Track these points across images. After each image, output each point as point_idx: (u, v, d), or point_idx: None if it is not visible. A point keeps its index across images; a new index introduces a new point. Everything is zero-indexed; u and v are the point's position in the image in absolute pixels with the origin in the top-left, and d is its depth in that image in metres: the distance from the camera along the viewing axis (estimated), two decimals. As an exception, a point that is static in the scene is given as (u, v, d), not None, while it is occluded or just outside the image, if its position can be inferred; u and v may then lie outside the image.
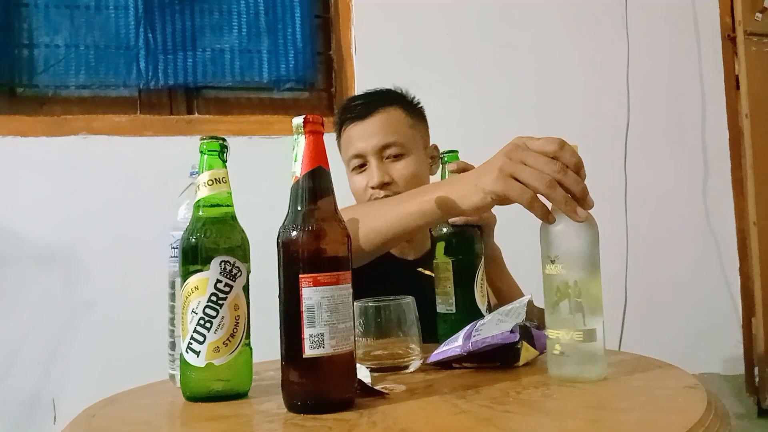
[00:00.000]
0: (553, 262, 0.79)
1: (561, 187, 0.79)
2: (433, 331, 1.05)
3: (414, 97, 1.41)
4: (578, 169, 0.81)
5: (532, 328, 0.90)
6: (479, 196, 0.86)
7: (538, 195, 0.80)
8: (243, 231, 0.83)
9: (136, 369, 1.22)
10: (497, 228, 1.36)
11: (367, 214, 1.05)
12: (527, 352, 0.89)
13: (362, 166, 1.33)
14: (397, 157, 1.32)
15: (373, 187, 1.29)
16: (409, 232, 1.00)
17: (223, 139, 0.82)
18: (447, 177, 1.11)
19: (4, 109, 2.12)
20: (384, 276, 1.31)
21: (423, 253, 1.40)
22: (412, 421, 0.66)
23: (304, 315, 0.70)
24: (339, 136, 1.39)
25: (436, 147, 1.43)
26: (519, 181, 0.81)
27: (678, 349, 2.51)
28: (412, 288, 1.29)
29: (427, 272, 1.32)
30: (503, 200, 0.84)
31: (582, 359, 0.77)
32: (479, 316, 1.02)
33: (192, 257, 0.78)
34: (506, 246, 1.34)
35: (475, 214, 0.96)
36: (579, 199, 0.80)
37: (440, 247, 1.08)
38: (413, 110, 1.38)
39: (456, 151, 1.12)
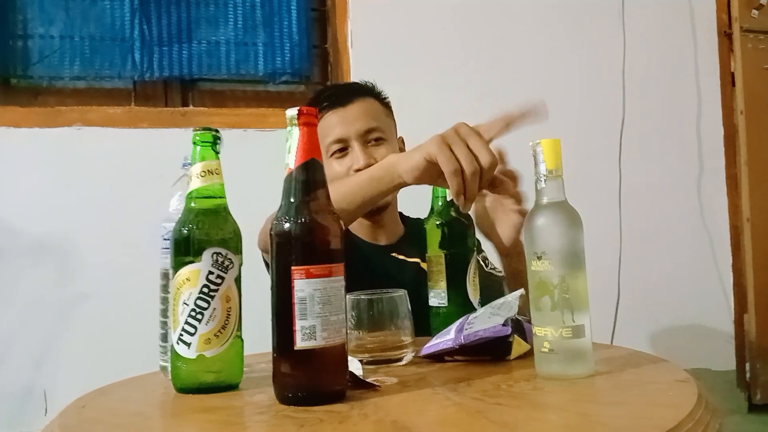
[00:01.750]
0: (539, 258, 0.79)
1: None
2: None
3: (382, 91, 1.43)
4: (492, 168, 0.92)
5: (524, 322, 0.90)
6: (415, 159, 0.95)
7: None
8: (235, 223, 0.82)
9: (128, 361, 1.22)
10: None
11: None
12: (519, 345, 0.89)
13: (342, 151, 1.33)
14: (378, 141, 1.34)
15: (357, 170, 1.28)
16: (363, 201, 1.05)
17: (216, 131, 0.82)
18: None
19: (-3, 100, 2.11)
20: (357, 262, 1.33)
21: (396, 239, 1.43)
22: (404, 414, 0.66)
23: (296, 307, 0.70)
24: None
25: (402, 140, 1.46)
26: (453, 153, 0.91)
27: (670, 344, 2.53)
28: (386, 273, 1.33)
29: (401, 257, 1.36)
30: (433, 164, 0.93)
31: (571, 356, 0.77)
32: (471, 309, 1.02)
33: (184, 248, 0.78)
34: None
35: (411, 176, 0.98)
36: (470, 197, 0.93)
37: (433, 240, 1.08)
38: (384, 102, 1.42)
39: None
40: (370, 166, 1.27)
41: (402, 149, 1.43)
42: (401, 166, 0.98)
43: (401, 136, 1.46)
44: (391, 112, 1.44)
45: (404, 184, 1.01)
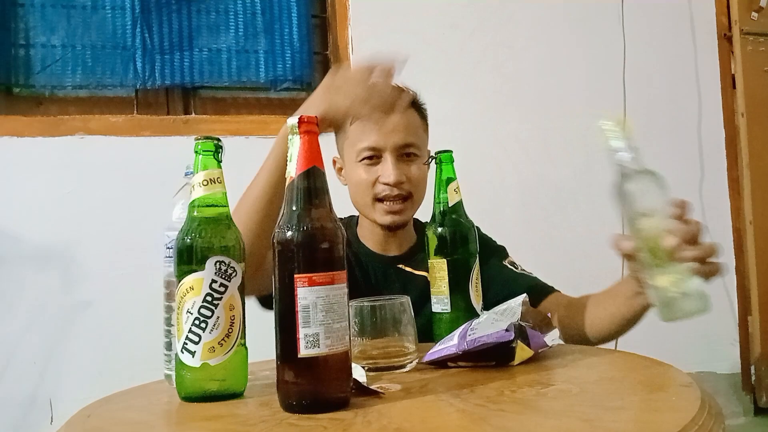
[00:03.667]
0: (646, 215, 0.85)
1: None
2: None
3: (424, 103, 1.36)
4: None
5: (527, 328, 0.90)
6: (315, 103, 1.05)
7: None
8: (238, 231, 0.82)
9: (133, 369, 1.23)
10: (495, 227, 1.36)
11: (244, 194, 1.11)
12: (522, 351, 0.89)
13: (372, 159, 1.27)
14: (410, 157, 1.28)
15: (387, 184, 1.25)
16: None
17: (218, 139, 0.82)
18: (442, 181, 1.11)
19: (0, 109, 2.12)
20: (359, 274, 1.31)
21: (405, 250, 1.36)
22: (407, 420, 0.67)
23: (299, 315, 0.70)
24: (348, 122, 1.29)
25: (429, 152, 1.37)
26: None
27: (674, 347, 2.51)
28: (393, 285, 1.29)
29: (408, 269, 1.31)
30: (331, 118, 1.03)
31: (699, 292, 0.83)
32: (474, 315, 1.02)
33: (187, 257, 0.78)
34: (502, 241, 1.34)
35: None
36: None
37: (434, 246, 1.08)
38: (423, 115, 1.35)
39: (450, 151, 1.12)
40: (400, 183, 1.25)
41: (427, 162, 1.34)
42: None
43: (428, 149, 1.37)
44: (427, 125, 1.36)
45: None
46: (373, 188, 1.27)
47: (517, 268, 1.30)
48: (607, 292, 1.12)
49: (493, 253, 1.31)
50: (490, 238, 1.36)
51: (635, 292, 0.98)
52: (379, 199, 1.27)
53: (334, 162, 1.38)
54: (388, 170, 1.25)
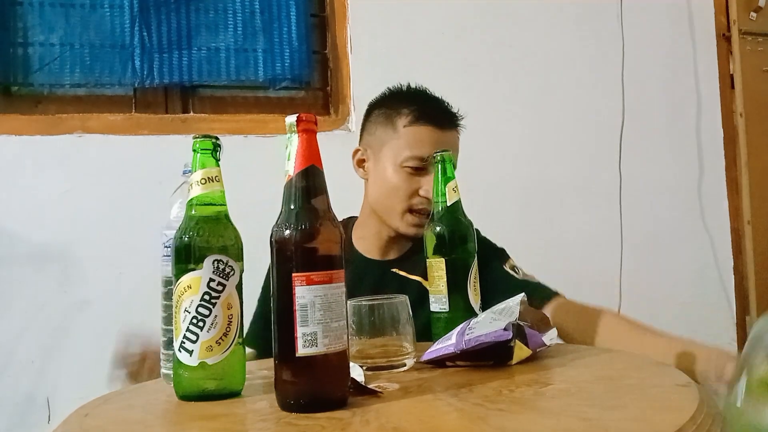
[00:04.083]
0: None
1: None
2: None
3: (464, 127, 1.38)
4: None
5: (525, 327, 0.90)
6: None
7: None
8: (236, 230, 0.82)
9: (131, 368, 1.22)
10: (494, 228, 1.36)
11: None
12: (520, 350, 0.89)
13: (418, 170, 1.27)
14: None
15: (427, 198, 1.24)
16: None
17: (216, 138, 0.82)
18: (440, 180, 1.10)
19: (-1, 108, 2.12)
20: (359, 281, 1.30)
21: (400, 254, 1.36)
22: (405, 420, 0.67)
23: (297, 314, 0.70)
24: (401, 123, 1.30)
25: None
26: None
27: (673, 347, 2.52)
28: (386, 289, 1.28)
29: (402, 273, 1.30)
30: None
31: None
32: (473, 314, 1.02)
33: (185, 256, 0.78)
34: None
35: None
36: None
37: (433, 245, 1.08)
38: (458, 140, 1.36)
39: (449, 150, 1.12)
40: None
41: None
42: None
43: None
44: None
45: None
46: (410, 198, 1.27)
47: (518, 273, 1.29)
48: (656, 343, 1.12)
49: (493, 255, 1.30)
50: (490, 241, 1.35)
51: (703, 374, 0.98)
52: (412, 210, 1.27)
53: (356, 152, 1.37)
54: (430, 184, 1.22)
